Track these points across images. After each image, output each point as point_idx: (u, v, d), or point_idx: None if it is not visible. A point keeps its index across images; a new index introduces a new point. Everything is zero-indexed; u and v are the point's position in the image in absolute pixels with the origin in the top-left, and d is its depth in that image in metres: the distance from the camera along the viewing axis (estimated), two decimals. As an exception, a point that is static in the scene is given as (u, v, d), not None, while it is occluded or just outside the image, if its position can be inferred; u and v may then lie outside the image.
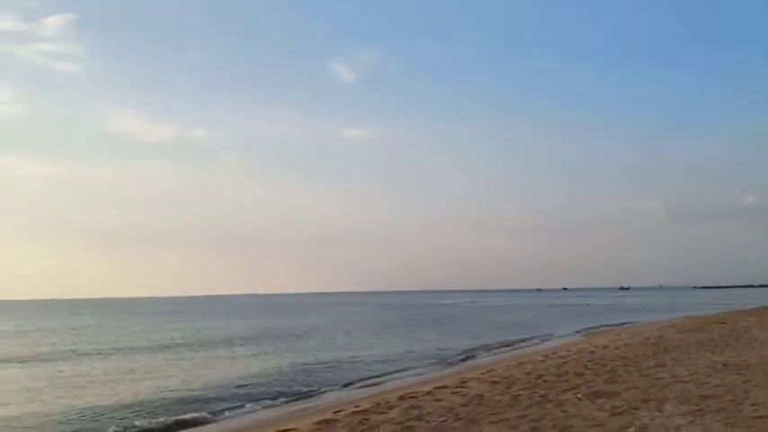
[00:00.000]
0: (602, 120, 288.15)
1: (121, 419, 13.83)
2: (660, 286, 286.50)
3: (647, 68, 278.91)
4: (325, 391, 17.50)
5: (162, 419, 13.74)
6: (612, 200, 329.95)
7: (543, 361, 19.29)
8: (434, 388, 14.56)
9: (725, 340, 22.32)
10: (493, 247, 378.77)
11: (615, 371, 15.54)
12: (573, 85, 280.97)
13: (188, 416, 14.07)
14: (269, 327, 49.26)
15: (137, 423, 13.38)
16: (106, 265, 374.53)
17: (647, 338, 24.72)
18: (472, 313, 72.75)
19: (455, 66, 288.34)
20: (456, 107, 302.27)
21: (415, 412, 11.53)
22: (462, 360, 24.59)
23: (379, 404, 12.86)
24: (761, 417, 9.49)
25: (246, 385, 18.49)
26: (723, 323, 31.98)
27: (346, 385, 18.61)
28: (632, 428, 9.10)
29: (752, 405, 10.37)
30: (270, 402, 15.96)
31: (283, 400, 16.34)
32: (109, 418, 14.01)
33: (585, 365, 17.06)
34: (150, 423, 13.43)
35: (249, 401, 15.92)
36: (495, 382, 14.90)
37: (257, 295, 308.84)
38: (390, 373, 20.90)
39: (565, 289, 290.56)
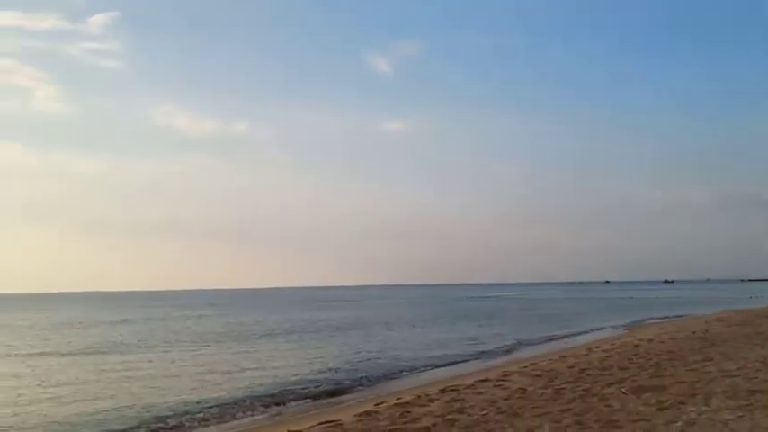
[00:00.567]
0: (647, 107, 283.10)
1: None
2: (707, 279, 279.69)
3: (695, 54, 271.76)
4: (367, 384, 17.60)
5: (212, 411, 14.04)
6: (657, 190, 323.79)
7: (586, 354, 19.09)
8: (476, 381, 14.55)
9: (775, 334, 21.77)
10: (533, 240, 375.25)
11: (661, 365, 15.29)
12: (616, 71, 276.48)
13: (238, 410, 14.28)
14: (309, 320, 49.72)
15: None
16: (149, 259, 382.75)
17: (694, 332, 24.24)
18: (512, 306, 72.25)
19: (493, 56, 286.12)
20: (495, 97, 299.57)
21: (457, 405, 11.54)
22: (504, 353, 24.47)
23: (420, 396, 12.91)
24: (813, 412, 9.25)
25: (293, 377, 18.71)
26: (773, 317, 31.16)
27: (388, 378, 18.69)
28: (679, 423, 8.95)
29: (804, 400, 10.11)
30: (314, 393, 16.14)
31: (326, 391, 16.50)
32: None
33: (630, 359, 16.83)
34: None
35: (293, 394, 16.08)
36: (538, 376, 14.81)
37: (294, 288, 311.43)
38: (432, 366, 20.91)
39: (607, 282, 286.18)
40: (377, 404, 12.65)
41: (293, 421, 12.13)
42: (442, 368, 20.58)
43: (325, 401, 15.19)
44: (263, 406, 14.64)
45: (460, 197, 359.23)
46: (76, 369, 21.64)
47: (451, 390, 13.48)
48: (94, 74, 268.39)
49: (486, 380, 14.68)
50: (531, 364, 17.36)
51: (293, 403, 15.07)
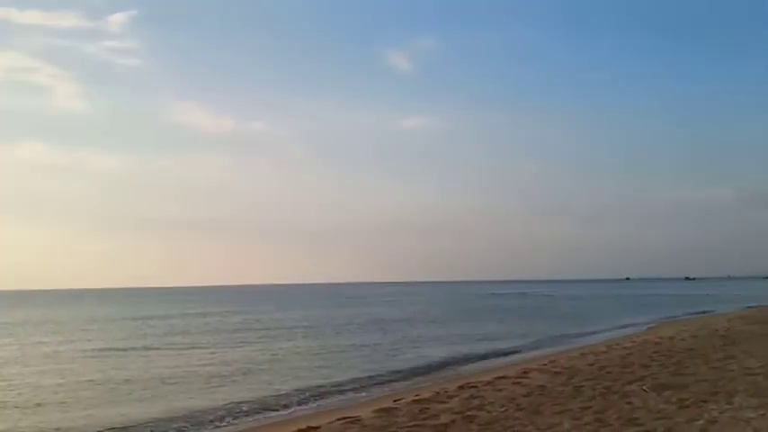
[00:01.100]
0: (669, 105, 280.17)
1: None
2: (728, 276, 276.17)
3: (716, 52, 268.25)
4: (386, 381, 17.62)
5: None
6: (679, 187, 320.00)
7: (606, 352, 18.97)
8: (495, 378, 14.52)
9: (799, 332, 21.48)
10: (553, 237, 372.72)
11: (682, 363, 15.16)
12: (637, 69, 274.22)
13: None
14: (330, 317, 49.91)
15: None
16: (169, 255, 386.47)
17: (715, 330, 23.99)
18: (531, 303, 71.98)
19: (511, 52, 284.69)
20: (513, 94, 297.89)
21: (476, 402, 11.54)
22: (523, 350, 24.37)
23: (438, 393, 12.92)
24: (838, 411, 9.12)
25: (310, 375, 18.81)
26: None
27: (407, 374, 18.71)
28: (701, 421, 8.86)
29: (828, 399, 9.97)
30: (334, 390, 16.21)
31: (345, 387, 16.56)
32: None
33: (651, 357, 16.69)
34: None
35: (310, 391, 16.15)
36: (557, 373, 14.74)
37: (312, 285, 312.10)
38: (450, 363, 20.87)
39: (627, 279, 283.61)
40: (395, 400, 12.69)
41: (313, 417, 12.17)
42: (461, 365, 20.54)
43: (344, 397, 15.25)
44: (287, 406, 14.66)
45: (480, 193, 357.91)
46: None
47: (470, 386, 13.47)
48: (114, 72, 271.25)
49: (504, 377, 14.65)
50: (551, 362, 17.28)
51: (315, 399, 15.12)
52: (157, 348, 27.06)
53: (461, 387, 13.50)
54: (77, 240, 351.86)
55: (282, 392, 15.89)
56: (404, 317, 48.22)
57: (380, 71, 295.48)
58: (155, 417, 13.31)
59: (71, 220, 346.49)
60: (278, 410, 13.96)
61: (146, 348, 27.09)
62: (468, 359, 21.90)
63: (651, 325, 34.25)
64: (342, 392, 15.97)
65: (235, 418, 13.27)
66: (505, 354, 23.31)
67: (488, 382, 13.88)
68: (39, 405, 14.83)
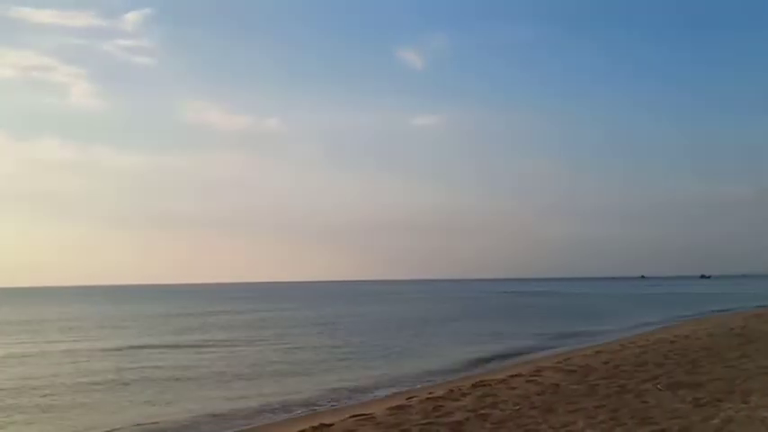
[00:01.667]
0: (687, 102, 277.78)
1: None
2: (744, 275, 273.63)
3: (738, 48, 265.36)
4: (400, 379, 17.59)
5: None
6: (695, 185, 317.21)
7: (621, 350, 18.89)
8: (508, 376, 14.51)
9: (816, 331, 21.28)
10: (566, 234, 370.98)
11: (697, 361, 15.07)
12: (653, 64, 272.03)
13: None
14: (344, 314, 50.00)
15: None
16: (185, 253, 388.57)
17: (731, 329, 23.80)
18: (545, 301, 71.68)
19: (524, 49, 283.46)
20: (527, 90, 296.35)
21: (489, 400, 11.53)
22: (536, 348, 24.27)
23: (452, 391, 12.93)
24: None
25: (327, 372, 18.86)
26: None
27: (419, 373, 18.67)
28: (716, 420, 8.81)
29: None
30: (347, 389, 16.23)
31: (359, 385, 16.57)
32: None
33: (666, 356, 16.60)
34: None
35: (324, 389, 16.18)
36: (571, 371, 14.70)
37: (326, 282, 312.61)
38: (464, 361, 20.78)
39: (643, 277, 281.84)
40: (408, 398, 12.71)
41: (326, 414, 12.21)
42: (474, 363, 20.48)
43: (357, 396, 15.26)
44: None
45: (493, 191, 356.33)
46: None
47: (483, 385, 13.47)
48: (129, 70, 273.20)
49: (518, 375, 14.63)
50: (565, 360, 17.23)
51: (329, 398, 15.15)
52: (176, 346, 27.15)
53: (475, 385, 13.49)
54: (93, 238, 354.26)
55: (298, 391, 15.93)
56: (418, 315, 48.19)
57: (393, 69, 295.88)
58: (175, 417, 13.33)
59: (86, 218, 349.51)
60: (293, 409, 14.00)
61: (167, 346, 27.17)
62: (480, 356, 21.83)
63: (666, 323, 34.01)
64: (355, 390, 15.97)
65: (248, 416, 13.30)
66: (519, 351, 23.22)
67: (502, 381, 13.87)
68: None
